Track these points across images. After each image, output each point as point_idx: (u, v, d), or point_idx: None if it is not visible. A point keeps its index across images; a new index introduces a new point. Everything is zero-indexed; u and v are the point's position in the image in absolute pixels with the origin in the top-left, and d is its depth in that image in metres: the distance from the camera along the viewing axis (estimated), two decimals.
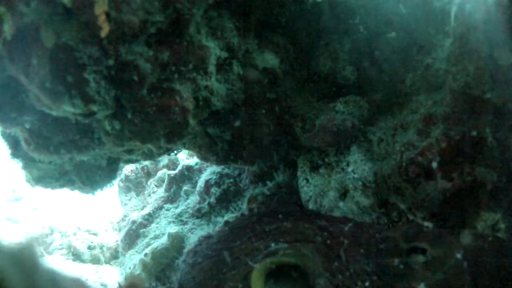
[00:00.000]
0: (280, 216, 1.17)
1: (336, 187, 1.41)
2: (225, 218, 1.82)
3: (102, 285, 2.72)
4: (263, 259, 1.03)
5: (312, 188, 1.47)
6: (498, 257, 0.99)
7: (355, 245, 1.01)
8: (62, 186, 1.45)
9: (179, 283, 1.20)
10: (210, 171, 1.97)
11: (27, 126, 1.14)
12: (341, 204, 1.40)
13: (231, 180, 1.89)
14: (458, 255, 0.94)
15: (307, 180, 1.49)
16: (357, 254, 0.99)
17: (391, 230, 1.03)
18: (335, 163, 1.43)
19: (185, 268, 1.21)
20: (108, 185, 1.52)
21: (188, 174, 2.17)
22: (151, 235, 2.03)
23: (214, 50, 1.14)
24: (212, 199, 1.91)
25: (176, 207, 2.10)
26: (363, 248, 1.00)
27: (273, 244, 1.04)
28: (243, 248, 1.07)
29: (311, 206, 1.47)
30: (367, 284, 0.94)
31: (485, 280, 0.95)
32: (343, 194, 1.40)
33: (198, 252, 1.23)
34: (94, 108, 0.99)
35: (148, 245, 1.99)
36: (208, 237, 1.29)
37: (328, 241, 1.03)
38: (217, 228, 1.79)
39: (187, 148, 1.52)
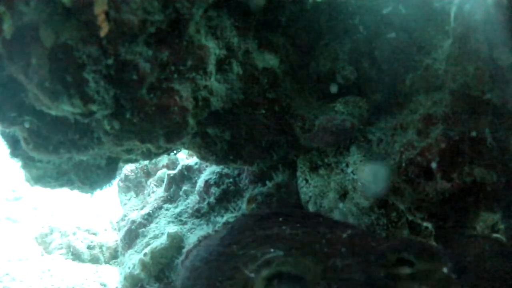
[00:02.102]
0: (280, 219, 1.16)
1: (336, 188, 1.41)
2: (225, 218, 1.82)
3: (101, 284, 2.72)
4: (259, 268, 1.02)
5: (312, 188, 1.47)
6: (500, 260, 0.99)
7: (350, 254, 1.01)
8: (61, 185, 1.45)
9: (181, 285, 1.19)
10: (209, 171, 1.97)
11: (27, 125, 1.14)
12: (340, 205, 1.40)
13: (231, 180, 1.89)
14: (445, 269, 0.95)
15: (307, 181, 1.49)
16: (351, 264, 0.99)
17: (380, 242, 1.04)
18: (334, 163, 1.43)
19: (185, 273, 1.20)
20: (107, 184, 1.52)
21: (187, 174, 2.17)
22: (151, 235, 2.03)
23: (213, 50, 1.14)
24: (212, 199, 1.91)
25: (176, 207, 2.10)
26: (357, 258, 1.00)
27: (271, 250, 1.04)
28: (241, 255, 1.07)
29: (310, 207, 1.47)
30: None
31: (486, 284, 0.95)
32: (343, 195, 1.40)
33: (197, 255, 1.22)
34: (93, 107, 0.99)
35: (147, 244, 1.99)
36: (207, 237, 1.28)
37: (325, 249, 1.03)
38: (216, 229, 1.79)
39: (186, 148, 1.52)
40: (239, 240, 1.12)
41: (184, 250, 1.80)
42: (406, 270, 0.95)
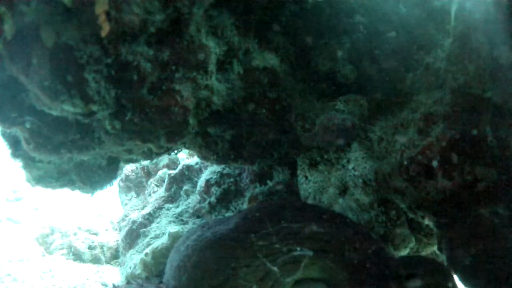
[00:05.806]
0: (308, 214, 1.14)
1: (336, 184, 1.41)
2: None
3: (102, 285, 2.72)
4: (285, 264, 1.02)
5: (312, 184, 1.47)
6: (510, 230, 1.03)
7: (373, 267, 1.07)
8: (62, 186, 1.45)
9: (178, 266, 1.12)
10: (210, 171, 1.97)
11: (27, 125, 1.14)
12: (340, 200, 1.40)
13: (232, 179, 1.89)
14: (450, 284, 1.06)
15: (306, 178, 1.49)
16: (373, 276, 1.05)
17: (392, 258, 1.12)
18: (335, 160, 1.43)
19: (185, 251, 1.13)
20: (108, 184, 1.52)
21: (188, 174, 2.17)
22: (152, 235, 2.03)
23: (214, 49, 1.14)
24: (213, 199, 1.91)
25: (177, 207, 2.10)
26: (376, 271, 1.06)
27: (298, 249, 1.04)
28: (262, 246, 1.04)
29: (309, 202, 1.47)
30: None
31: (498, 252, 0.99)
32: (343, 191, 1.40)
33: (201, 235, 1.14)
34: (94, 107, 0.99)
35: (148, 244, 1.99)
36: (207, 224, 1.22)
37: (355, 261, 1.07)
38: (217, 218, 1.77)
39: (187, 148, 1.52)
40: (257, 230, 1.08)
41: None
42: (417, 284, 1.04)
